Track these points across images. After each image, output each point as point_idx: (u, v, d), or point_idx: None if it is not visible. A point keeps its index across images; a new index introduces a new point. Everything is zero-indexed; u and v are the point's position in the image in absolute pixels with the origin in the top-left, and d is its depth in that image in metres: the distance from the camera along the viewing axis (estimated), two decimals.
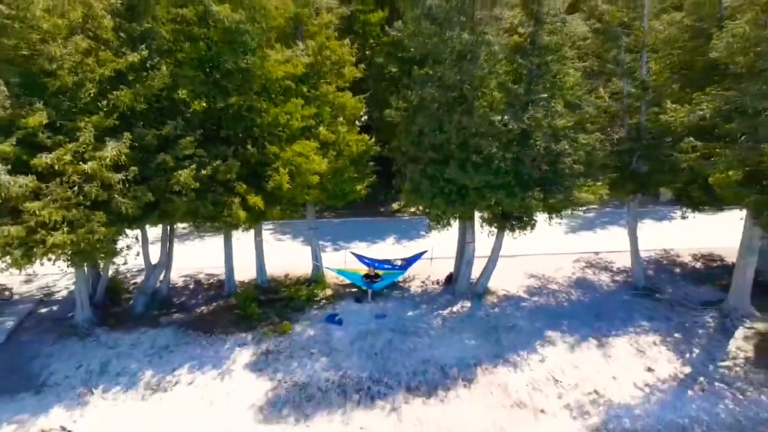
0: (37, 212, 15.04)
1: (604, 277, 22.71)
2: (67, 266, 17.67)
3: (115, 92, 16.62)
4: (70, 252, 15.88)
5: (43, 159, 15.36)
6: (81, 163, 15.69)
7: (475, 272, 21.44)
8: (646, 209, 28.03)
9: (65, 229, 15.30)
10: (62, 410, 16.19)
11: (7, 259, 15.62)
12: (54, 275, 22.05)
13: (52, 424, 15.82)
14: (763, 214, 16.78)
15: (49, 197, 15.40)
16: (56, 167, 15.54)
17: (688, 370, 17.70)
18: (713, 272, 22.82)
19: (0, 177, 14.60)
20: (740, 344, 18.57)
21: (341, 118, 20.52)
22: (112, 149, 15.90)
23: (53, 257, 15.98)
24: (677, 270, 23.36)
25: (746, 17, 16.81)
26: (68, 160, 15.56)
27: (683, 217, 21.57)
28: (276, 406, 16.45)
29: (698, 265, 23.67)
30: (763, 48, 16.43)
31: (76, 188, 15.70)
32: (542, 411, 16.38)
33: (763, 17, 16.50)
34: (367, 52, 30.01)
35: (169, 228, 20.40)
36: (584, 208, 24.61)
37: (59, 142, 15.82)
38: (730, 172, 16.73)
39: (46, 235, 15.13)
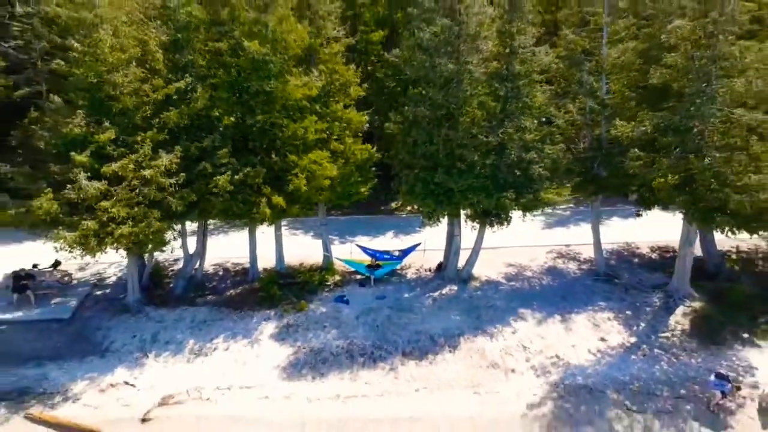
0: (108, 210, 18.90)
1: (572, 266, 26.55)
2: (126, 254, 21.55)
3: (165, 112, 20.48)
4: (132, 242, 19.71)
5: (111, 167, 19.20)
6: (141, 170, 19.54)
7: (462, 261, 25.28)
8: (615, 208, 31.81)
9: (129, 223, 19.15)
10: (124, 370, 20.05)
11: (79, 247, 19.50)
12: (103, 264, 25.88)
13: (117, 380, 19.67)
14: (689, 212, 20.64)
15: (116, 197, 19.24)
16: (121, 174, 19.38)
17: (633, 339, 21.53)
18: (666, 261, 26.55)
19: (81, 182, 18.46)
20: (679, 319, 22.40)
21: (348, 131, 24.38)
22: (166, 159, 19.75)
23: (118, 246, 19.82)
24: (636, 260, 27.19)
25: (680, 51, 20.64)
26: (131, 168, 19.39)
27: (638, 215, 25.37)
28: (296, 367, 20.30)
29: (654, 255, 27.48)
30: (692, 77, 20.28)
31: (137, 190, 19.55)
32: (512, 370, 20.22)
33: (692, 51, 20.33)
34: (368, 68, 33.86)
35: (204, 223, 24.26)
36: (562, 206, 28.99)
37: (123, 153, 19.65)
38: (668, 178, 20.53)
39: (115, 228, 18.97)
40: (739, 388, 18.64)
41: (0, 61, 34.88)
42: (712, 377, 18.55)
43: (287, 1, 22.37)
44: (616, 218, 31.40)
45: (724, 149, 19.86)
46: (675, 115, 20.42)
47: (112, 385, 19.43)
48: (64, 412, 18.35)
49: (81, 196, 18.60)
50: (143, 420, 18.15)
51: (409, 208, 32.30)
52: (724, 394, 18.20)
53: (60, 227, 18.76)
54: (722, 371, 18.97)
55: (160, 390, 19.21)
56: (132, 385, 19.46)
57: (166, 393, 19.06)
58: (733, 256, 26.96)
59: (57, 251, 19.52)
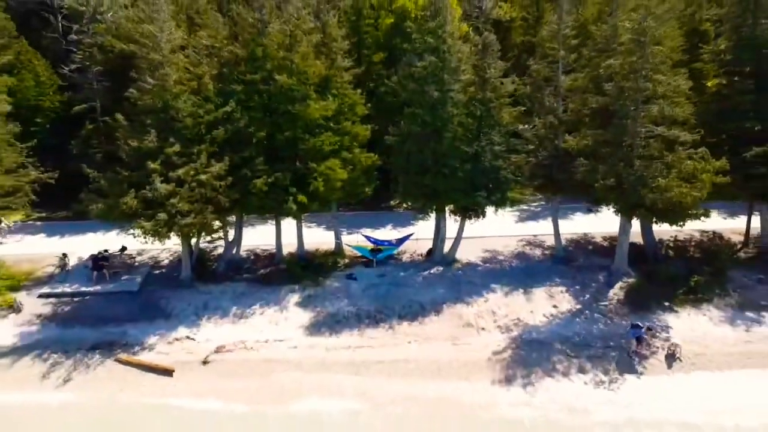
0: (175, 205, 24.95)
1: (537, 252, 32.56)
2: (180, 240, 27.60)
3: (215, 130, 26.57)
4: (191, 230, 25.76)
5: (177, 173, 25.26)
6: (198, 175, 25.59)
7: (447, 248, 31.31)
8: (579, 204, 37.70)
9: (192, 215, 25.20)
10: (185, 328, 26.14)
11: (153, 234, 25.52)
12: (156, 250, 31.91)
13: (180, 335, 25.76)
14: (618, 208, 26.73)
15: (180, 196, 25.27)
16: (184, 177, 25.44)
17: (579, 306, 27.56)
18: (615, 249, 32.52)
19: (156, 184, 24.52)
20: (616, 291, 28.40)
21: (355, 143, 30.41)
22: (217, 167, 25.82)
23: (182, 233, 25.87)
24: (590, 247, 33.20)
25: (613, 82, 26.69)
26: (191, 173, 25.46)
27: (589, 211, 31.39)
28: (316, 326, 26.37)
29: (605, 243, 33.41)
30: (622, 102, 26.31)
31: (195, 191, 25.61)
32: (483, 329, 26.28)
33: (622, 83, 26.35)
34: (371, 85, 39.81)
35: (240, 216, 30.32)
36: (534, 203, 35.00)
37: (184, 162, 25.72)
38: (604, 181, 26.52)
39: (181, 220, 25.01)
40: (650, 330, 24.69)
41: (58, 81, 41.28)
42: (629, 327, 24.65)
43: (308, 41, 28.48)
44: (579, 213, 37.32)
45: (646, 159, 25.91)
46: (608, 132, 26.50)
47: (177, 339, 25.54)
48: (142, 358, 24.44)
49: (155, 195, 24.64)
50: (204, 362, 24.23)
51: (404, 205, 38.13)
52: (639, 341, 24.28)
53: (140, 219, 24.76)
54: (637, 322, 25.01)
55: (214, 342, 25.31)
56: (192, 338, 25.56)
57: (218, 344, 25.15)
58: (670, 244, 33.00)
59: (135, 237, 25.65)
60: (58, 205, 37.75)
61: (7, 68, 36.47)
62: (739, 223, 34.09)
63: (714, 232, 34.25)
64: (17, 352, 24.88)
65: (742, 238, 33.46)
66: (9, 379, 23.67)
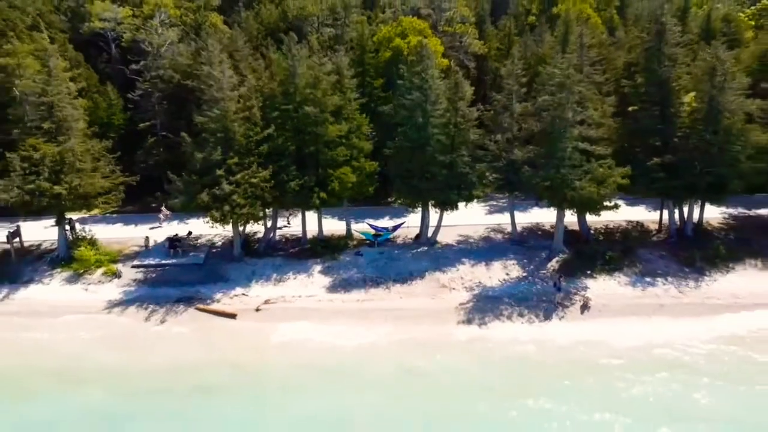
0: (235, 200, 35.24)
1: (499, 236, 42.89)
2: (232, 227, 37.92)
3: (261, 146, 36.91)
4: (246, 218, 36.11)
5: (236, 177, 35.56)
6: (251, 179, 35.91)
7: (430, 233, 41.62)
8: (532, 201, 47.88)
9: (246, 208, 35.53)
10: (240, 288, 36.49)
11: (219, 221, 35.79)
12: (209, 235, 42.24)
13: (237, 293, 36.11)
14: (550, 203, 37.11)
15: (238, 194, 35.54)
16: (240, 180, 35.74)
17: (524, 274, 37.86)
18: (567, 235, 42.77)
19: (223, 185, 34.83)
20: (553, 264, 38.72)
21: (361, 154, 40.72)
22: (263, 173, 36.18)
23: (239, 220, 36.19)
24: (539, 232, 43.50)
25: (548, 111, 36.97)
26: (246, 178, 35.78)
27: (537, 206, 41.61)
28: (334, 287, 36.72)
29: (551, 230, 43.54)
30: (555, 126, 36.59)
31: (248, 190, 35.91)
32: (453, 289, 36.61)
33: (553, 112, 36.60)
34: (372, 105, 49.97)
35: (276, 210, 40.66)
36: (502, 199, 45.09)
37: (240, 170, 36.02)
38: (542, 183, 36.75)
39: (239, 210, 35.31)
40: (556, 284, 35.00)
41: (121, 101, 51.42)
42: (555, 282, 35.07)
43: (327, 80, 38.81)
44: (536, 208, 47.57)
45: (570, 167, 36.16)
46: (544, 148, 36.84)
47: (235, 295, 35.92)
48: (214, 306, 34.81)
49: (221, 193, 34.93)
50: (256, 310, 34.58)
51: (398, 201, 48.28)
52: (558, 289, 34.65)
53: (211, 211, 35.02)
54: (558, 279, 35.39)
55: (262, 297, 35.68)
56: (246, 295, 35.94)
57: (265, 298, 35.52)
58: (601, 230, 43.34)
59: (205, 224, 36.03)
60: (127, 201, 48.03)
61: (83, 93, 46.71)
62: (657, 215, 44.42)
63: (637, 222, 44.66)
64: (124, 303, 35.34)
65: (657, 226, 43.91)
66: (121, 321, 34.05)
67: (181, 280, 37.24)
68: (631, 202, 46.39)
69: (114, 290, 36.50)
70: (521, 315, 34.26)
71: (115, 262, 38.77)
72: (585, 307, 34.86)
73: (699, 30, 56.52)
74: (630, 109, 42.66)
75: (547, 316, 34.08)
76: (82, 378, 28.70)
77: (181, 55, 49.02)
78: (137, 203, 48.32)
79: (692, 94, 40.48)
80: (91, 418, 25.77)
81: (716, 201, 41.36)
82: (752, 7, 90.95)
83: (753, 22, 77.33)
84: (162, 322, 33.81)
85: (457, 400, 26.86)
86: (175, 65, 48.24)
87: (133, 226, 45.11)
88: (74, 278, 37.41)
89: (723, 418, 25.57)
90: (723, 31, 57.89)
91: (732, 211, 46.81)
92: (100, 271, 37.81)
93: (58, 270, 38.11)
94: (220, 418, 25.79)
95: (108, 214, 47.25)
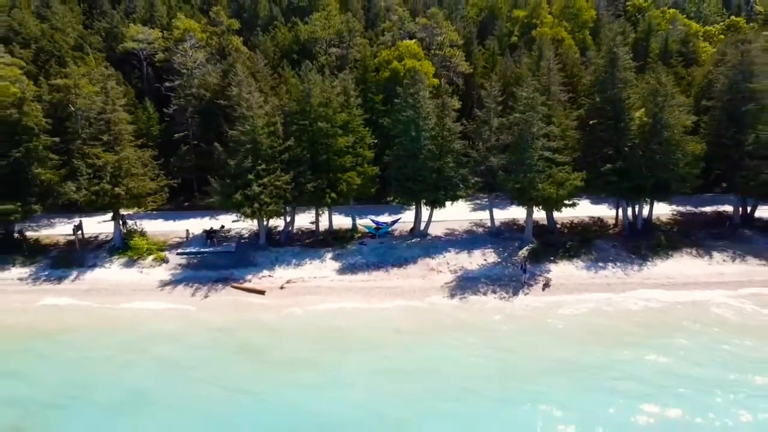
0: (263, 199, 43.45)
1: (480, 230, 51.11)
2: (258, 221, 46.14)
3: (283, 155, 45.14)
4: (271, 214, 44.33)
5: (263, 180, 43.75)
6: (275, 182, 44.11)
7: (422, 227, 49.79)
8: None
9: (272, 205, 43.75)
10: (266, 271, 44.70)
11: (250, 216, 43.97)
12: (237, 228, 50.46)
13: (264, 274, 44.32)
14: (520, 202, 45.32)
15: (265, 194, 43.73)
16: (267, 182, 43.93)
17: (499, 260, 46.03)
18: (537, 229, 50.93)
19: (254, 187, 43.03)
20: (523, 252, 46.86)
21: (365, 161, 48.91)
22: (285, 176, 44.42)
23: (266, 216, 44.44)
24: (515, 227, 51.65)
25: (518, 126, 45.12)
26: (271, 181, 43.98)
27: (513, 204, 49.75)
28: (343, 270, 44.92)
29: (525, 224, 51.87)
30: (522, 139, 44.74)
31: (273, 191, 44.12)
32: (440, 272, 44.79)
33: (521, 128, 44.76)
34: (373, 117, 58.16)
35: (294, 207, 48.87)
36: (485, 198, 53.25)
37: (266, 174, 44.23)
38: (513, 185, 44.92)
39: (266, 208, 43.53)
40: (522, 267, 43.17)
41: (155, 113, 59.58)
42: (520, 265, 43.29)
43: (336, 100, 47.00)
44: (512, 206, 55.64)
45: (535, 172, 44.29)
46: (515, 156, 45.02)
47: (263, 276, 44.11)
48: (246, 285, 43.03)
49: (252, 193, 43.12)
50: (281, 288, 42.78)
51: (396, 200, 56.50)
52: (524, 271, 42.86)
53: (243, 208, 43.20)
54: (523, 261, 43.59)
55: (285, 278, 43.84)
56: (271, 276, 44.12)
57: (287, 279, 43.72)
58: (566, 225, 51.50)
59: (236, 219, 44.29)
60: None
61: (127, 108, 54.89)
62: (614, 212, 52.60)
63: (598, 218, 52.89)
64: (172, 283, 43.53)
65: (614, 221, 52.11)
66: (166, 299, 42.19)
67: (217, 264, 45.45)
68: (595, 201, 54.81)
69: (163, 273, 44.73)
70: (494, 292, 42.40)
71: (162, 250, 47.00)
72: (546, 285, 42.99)
73: (658, 50, 64.83)
74: (591, 122, 50.90)
75: (515, 293, 42.22)
76: (150, 334, 36.89)
77: (210, 74, 57.20)
78: (172, 202, 56.47)
79: (641, 110, 48.61)
80: (162, 362, 33.91)
81: (661, 200, 49.51)
82: (716, 25, 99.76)
83: (722, 37, 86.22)
84: (205, 297, 42.00)
85: (433, 347, 35.01)
86: (205, 84, 56.45)
87: (171, 221, 53.33)
88: (130, 263, 45.66)
89: (633, 363, 33.55)
90: (680, 51, 66.17)
91: (680, 208, 55.07)
92: (150, 257, 46.04)
93: (116, 257, 46.34)
94: (252, 374, 33.72)
95: (149, 211, 55.33)
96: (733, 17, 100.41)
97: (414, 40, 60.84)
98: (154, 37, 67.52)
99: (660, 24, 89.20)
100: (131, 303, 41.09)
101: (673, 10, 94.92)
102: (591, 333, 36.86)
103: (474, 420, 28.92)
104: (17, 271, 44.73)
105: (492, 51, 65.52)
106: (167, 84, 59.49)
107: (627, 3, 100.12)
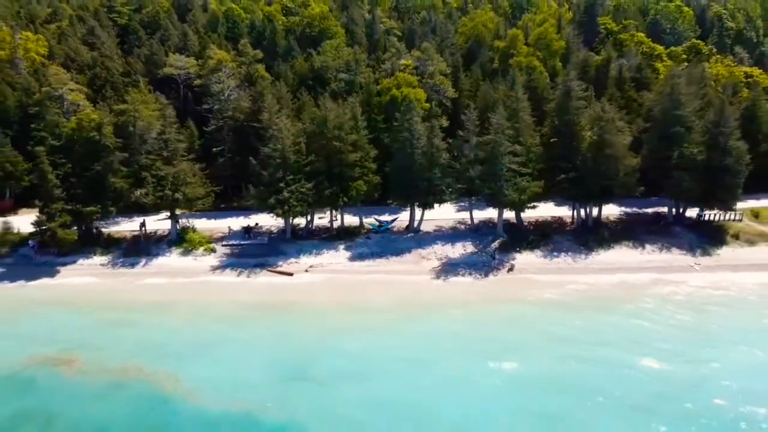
0: (291, 203, 55.88)
1: (462, 227, 63.53)
2: (284, 219, 58.62)
3: (306, 168, 57.62)
4: (297, 213, 56.81)
5: (291, 188, 56.19)
6: (300, 189, 56.55)
7: (416, 224, 62.23)
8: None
9: (299, 207, 56.21)
10: (293, 258, 57.23)
11: (282, 215, 56.37)
12: (266, 225, 62.89)
13: (291, 261, 56.80)
14: (491, 203, 57.77)
15: (293, 198, 56.14)
16: (295, 189, 56.35)
17: (476, 251, 58.35)
18: (504, 224, 63.33)
19: (284, 193, 55.44)
20: (495, 244, 59.28)
21: (370, 171, 61.35)
22: (308, 185, 56.90)
23: (294, 215, 56.93)
24: (490, 225, 64.00)
25: (489, 145, 57.52)
26: (297, 188, 56.41)
27: (489, 206, 62.13)
28: (353, 258, 57.41)
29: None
30: (493, 155, 57.16)
31: (299, 196, 56.54)
32: (429, 259, 57.24)
33: (491, 146, 57.15)
34: (376, 133, 70.47)
35: (314, 209, 61.33)
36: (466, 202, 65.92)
37: (293, 182, 56.66)
38: (486, 190, 57.27)
39: (293, 209, 55.99)
40: (493, 256, 55.64)
41: (195, 130, 71.96)
42: (491, 254, 55.74)
43: (348, 123, 59.47)
44: (490, 208, 68.00)
45: (503, 181, 56.65)
46: (488, 168, 57.44)
47: (290, 262, 56.57)
48: (278, 268, 55.49)
49: (283, 198, 55.53)
50: (305, 271, 55.25)
51: (395, 203, 68.77)
52: (493, 258, 55.32)
53: (276, 209, 55.63)
54: (494, 251, 56.03)
55: (308, 264, 56.32)
56: (297, 262, 56.60)
57: (310, 265, 56.17)
58: (532, 222, 63.92)
59: (274, 218, 56.78)
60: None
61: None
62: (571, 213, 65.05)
63: (559, 217, 65.33)
64: (221, 268, 56.02)
65: (571, 220, 64.56)
66: (219, 280, 54.61)
67: (254, 253, 57.91)
68: (559, 204, 67.10)
69: (213, 260, 57.22)
70: (470, 274, 54.82)
71: (210, 242, 59.43)
72: (511, 269, 55.41)
73: (615, 76, 77.26)
74: (551, 140, 63.33)
75: (486, 275, 54.66)
76: (211, 304, 49.35)
77: (242, 100, 69.62)
78: (211, 204, 68.85)
79: (590, 131, 61.00)
80: (220, 321, 46.35)
81: (606, 203, 61.92)
82: (680, 47, 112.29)
83: (684, 56, 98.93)
84: (248, 277, 54.47)
85: (422, 310, 47.44)
86: (239, 108, 68.87)
87: (213, 220, 65.88)
88: (186, 253, 58.13)
89: (565, 321, 45.84)
90: (634, 77, 78.54)
91: (627, 209, 67.42)
92: (201, 248, 58.50)
93: (174, 248, 58.80)
94: (290, 323, 46.14)
95: (194, 212, 67.89)
96: (694, 40, 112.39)
97: (409, 70, 73.18)
98: (190, 65, 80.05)
99: (628, 45, 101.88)
100: (188, 280, 53.78)
101: (641, 34, 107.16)
102: (542, 302, 49.32)
103: (448, 348, 41.42)
104: (98, 259, 57.22)
105: (476, 77, 77.89)
106: (205, 106, 71.97)
107: (600, 27, 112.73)
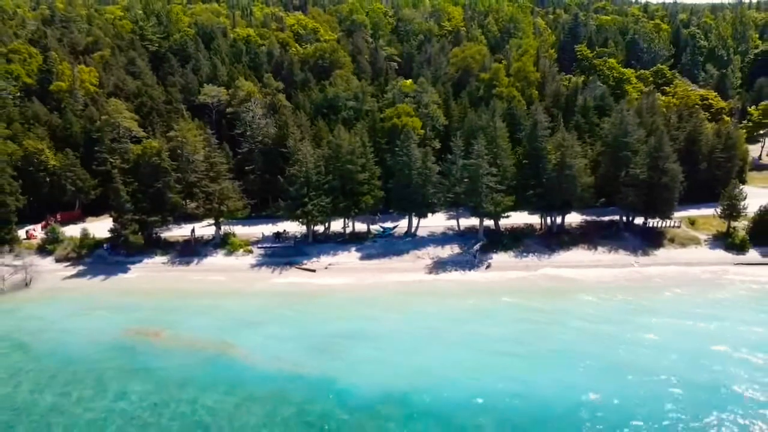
0: (313, 213, 70.22)
1: (451, 232, 77.72)
2: (306, 225, 73.02)
3: (325, 185, 72.01)
4: (317, 221, 71.16)
5: (313, 201, 70.51)
6: (321, 202, 70.89)
7: (413, 230, 76.53)
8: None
9: (319, 216, 70.57)
10: (315, 258, 71.64)
11: (305, 223, 70.67)
12: (292, 231, 77.22)
13: (313, 260, 71.19)
14: (473, 213, 72.19)
15: (314, 210, 70.45)
16: (317, 203, 70.66)
17: (461, 251, 72.69)
18: (486, 230, 77.55)
19: (308, 206, 69.77)
20: (476, 246, 73.58)
21: (376, 187, 75.69)
22: (327, 198, 71.30)
23: (314, 223, 71.30)
24: (474, 230, 78.38)
25: (472, 167, 71.89)
26: (318, 202, 70.73)
27: (472, 215, 76.40)
28: (362, 258, 71.75)
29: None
30: (475, 175, 71.48)
31: (320, 208, 70.87)
32: (424, 258, 71.61)
33: (475, 168, 71.49)
34: (380, 153, 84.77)
35: (330, 217, 75.68)
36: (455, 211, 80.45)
37: (315, 197, 70.98)
38: (469, 203, 71.57)
39: (316, 218, 70.34)
40: (475, 256, 70.09)
41: (229, 151, 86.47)
42: (473, 254, 70.14)
43: (357, 149, 73.84)
44: (473, 217, 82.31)
45: (483, 196, 70.92)
46: (470, 185, 71.77)
47: (313, 261, 70.93)
48: (303, 266, 69.86)
49: (307, 210, 69.84)
50: (325, 268, 69.59)
51: (396, 212, 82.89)
52: (475, 258, 69.74)
53: (301, 219, 69.94)
54: (475, 252, 70.44)
55: (327, 262, 70.65)
56: (318, 261, 70.96)
57: (328, 263, 70.53)
58: (508, 228, 78.24)
59: (298, 225, 71.19)
60: None
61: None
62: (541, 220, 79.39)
63: (531, 224, 79.67)
64: (258, 265, 70.39)
65: (540, 227, 78.92)
66: (258, 275, 68.93)
67: (283, 254, 72.25)
68: (532, 212, 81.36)
69: (251, 259, 71.57)
70: (456, 270, 69.12)
71: (248, 245, 73.77)
72: (488, 266, 69.72)
73: (580, 106, 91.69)
74: (523, 161, 77.65)
75: (469, 270, 68.97)
76: (252, 293, 63.64)
77: (269, 126, 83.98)
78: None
79: (554, 155, 75.32)
80: (261, 306, 60.61)
81: (567, 213, 76.27)
82: (647, 71, 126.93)
83: (651, 79, 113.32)
84: (280, 273, 68.81)
85: (418, 299, 61.77)
86: (266, 134, 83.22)
87: (247, 227, 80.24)
88: (229, 254, 72.46)
89: (531, 305, 60.08)
90: (598, 105, 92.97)
91: (588, 218, 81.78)
92: (241, 250, 72.81)
93: (219, 250, 73.12)
94: (315, 306, 60.39)
95: (231, 220, 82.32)
96: (659, 65, 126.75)
97: (407, 100, 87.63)
98: (222, 94, 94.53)
99: (601, 69, 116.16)
100: (231, 275, 68.19)
101: (613, 60, 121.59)
102: (511, 291, 63.76)
103: (436, 329, 55.74)
104: (159, 259, 71.60)
105: (464, 105, 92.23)
106: (237, 131, 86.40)
107: (577, 52, 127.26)
